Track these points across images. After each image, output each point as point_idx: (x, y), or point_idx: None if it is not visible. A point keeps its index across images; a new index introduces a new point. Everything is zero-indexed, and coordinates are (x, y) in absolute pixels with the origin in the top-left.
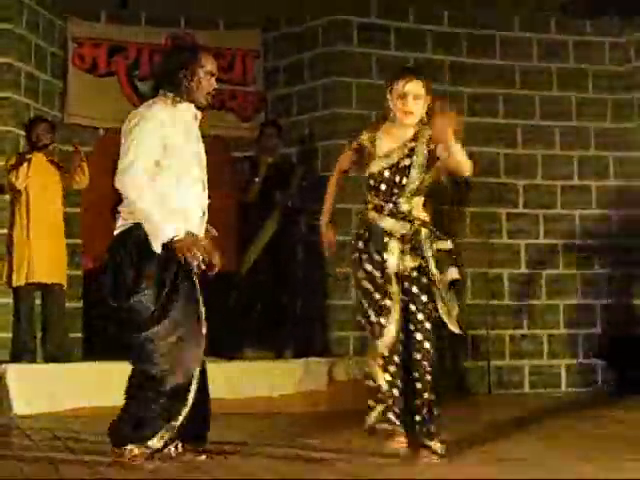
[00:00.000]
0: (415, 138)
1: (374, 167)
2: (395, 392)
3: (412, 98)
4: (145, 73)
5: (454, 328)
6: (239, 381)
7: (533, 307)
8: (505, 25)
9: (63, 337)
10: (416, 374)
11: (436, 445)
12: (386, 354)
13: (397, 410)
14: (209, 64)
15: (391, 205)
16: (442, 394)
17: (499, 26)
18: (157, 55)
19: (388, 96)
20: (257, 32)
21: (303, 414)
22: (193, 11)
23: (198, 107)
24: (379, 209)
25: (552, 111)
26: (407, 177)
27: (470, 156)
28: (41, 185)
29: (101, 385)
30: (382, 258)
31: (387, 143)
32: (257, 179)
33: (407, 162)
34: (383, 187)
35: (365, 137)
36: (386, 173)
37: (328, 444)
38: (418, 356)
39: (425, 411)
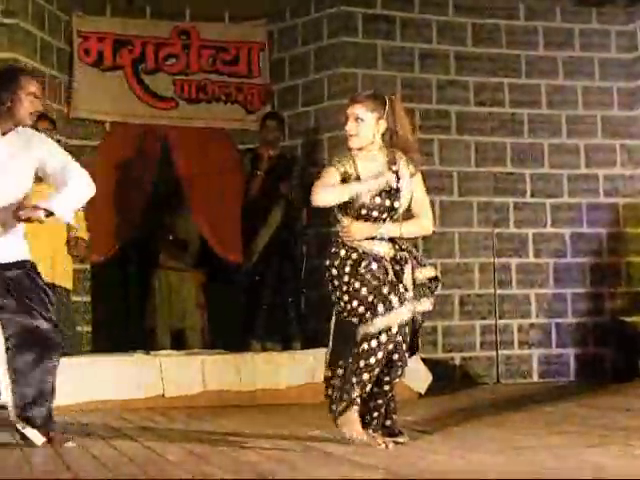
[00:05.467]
0: (394, 160)
1: (361, 200)
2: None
3: (352, 120)
4: (151, 66)
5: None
6: (250, 373)
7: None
8: (510, 13)
9: (70, 334)
10: (387, 377)
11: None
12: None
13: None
14: (31, 86)
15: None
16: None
17: (504, 15)
18: (163, 48)
19: None
20: (262, 24)
21: (314, 405)
22: (198, 4)
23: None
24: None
25: (558, 100)
26: (398, 201)
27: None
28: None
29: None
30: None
31: (367, 168)
32: (259, 172)
33: (396, 185)
34: (375, 214)
35: (345, 162)
36: (377, 199)
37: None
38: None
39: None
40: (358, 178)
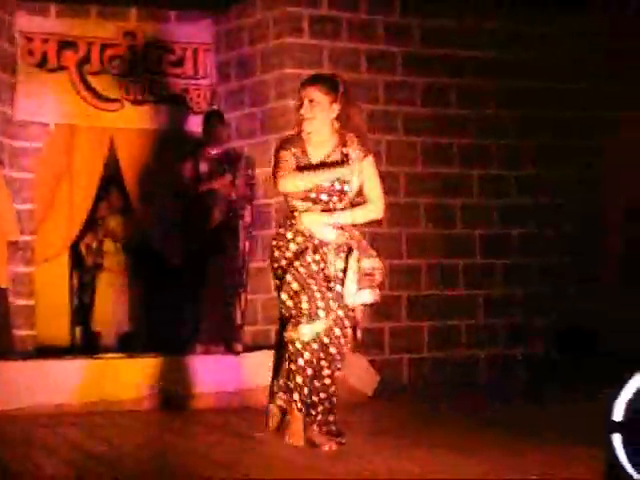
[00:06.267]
0: (343, 142)
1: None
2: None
3: (307, 102)
4: (96, 67)
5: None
6: (192, 376)
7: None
8: (457, 14)
9: (6, 336)
10: (328, 371)
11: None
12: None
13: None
14: None
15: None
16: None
17: (451, 15)
18: (108, 49)
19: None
20: (208, 25)
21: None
22: (144, 4)
23: None
24: None
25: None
26: (349, 185)
27: None
28: None
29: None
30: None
31: (318, 151)
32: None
33: (347, 170)
34: (324, 197)
35: (296, 145)
36: (326, 182)
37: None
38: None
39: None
40: (309, 163)
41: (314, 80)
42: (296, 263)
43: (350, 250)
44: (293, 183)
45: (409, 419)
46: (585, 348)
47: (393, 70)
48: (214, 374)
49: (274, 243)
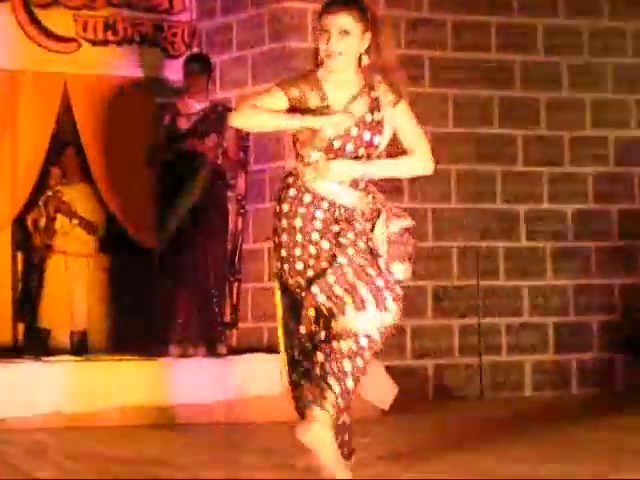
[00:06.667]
0: (370, 85)
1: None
2: None
3: (337, 34)
4: None
5: None
6: (166, 385)
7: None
8: None
9: None
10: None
11: None
12: None
13: None
14: None
15: None
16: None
17: None
18: None
19: (316, 34)
20: None
21: (248, 425)
22: None
23: None
24: None
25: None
26: (380, 135)
27: None
28: None
29: None
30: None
31: (339, 95)
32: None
33: (377, 116)
34: (350, 147)
35: (303, 86)
36: (354, 130)
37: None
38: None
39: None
40: (326, 108)
41: (345, 3)
42: (342, 240)
43: (376, 215)
44: (245, 118)
45: (434, 440)
46: None
47: (418, 5)
48: (192, 382)
49: (286, 210)
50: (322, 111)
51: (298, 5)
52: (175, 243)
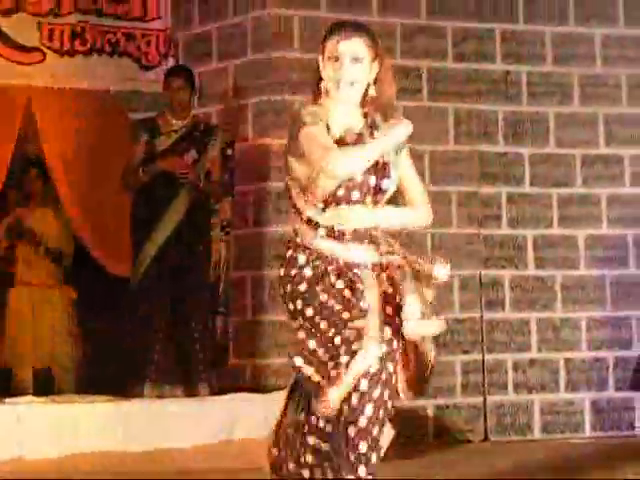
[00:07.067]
0: (374, 125)
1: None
2: None
3: (349, 61)
4: (8, 4)
5: None
6: (141, 428)
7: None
8: None
9: None
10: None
11: None
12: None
13: None
14: None
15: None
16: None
17: None
18: None
19: (320, 61)
20: None
21: (231, 472)
22: None
23: None
24: (339, 235)
25: (567, 54)
26: (388, 178)
27: None
28: None
29: None
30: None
31: (341, 128)
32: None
33: (381, 159)
34: (356, 195)
35: (319, 113)
36: (358, 176)
37: None
38: None
39: None
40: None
41: (356, 27)
42: (317, 289)
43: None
44: (352, 164)
45: None
46: None
47: (415, 11)
48: (169, 424)
49: (282, 274)
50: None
51: (283, 12)
52: (151, 273)
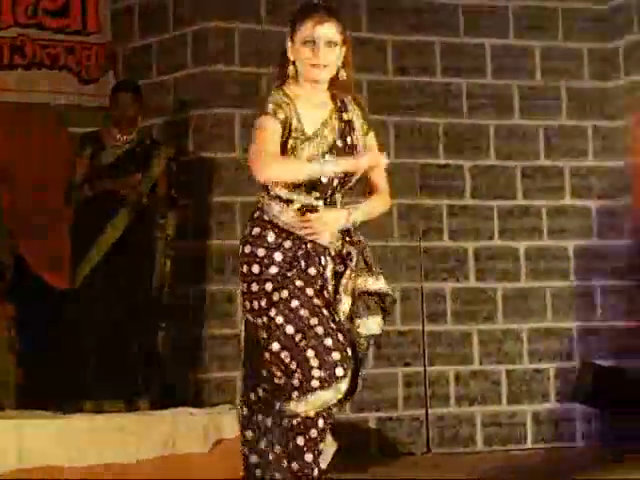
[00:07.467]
0: (343, 107)
1: (307, 150)
2: None
3: (324, 45)
4: None
5: None
6: (77, 444)
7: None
8: None
9: None
10: None
11: None
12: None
13: None
14: None
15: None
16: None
17: None
18: None
19: (289, 44)
20: None
21: None
22: None
23: None
24: (310, 211)
25: (507, 66)
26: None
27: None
28: None
29: None
30: (319, 272)
31: (310, 113)
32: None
33: (349, 140)
34: (324, 180)
35: (284, 105)
36: (326, 159)
37: None
38: None
39: None
40: (303, 134)
41: (329, 11)
42: (291, 275)
43: (349, 259)
44: (277, 172)
45: None
46: None
47: (356, 25)
48: (108, 440)
49: (247, 251)
50: (299, 137)
51: (223, 25)
52: (91, 288)
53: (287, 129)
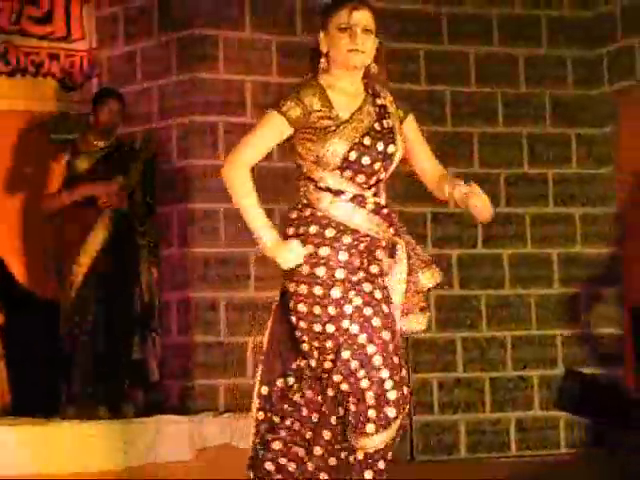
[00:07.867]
0: (375, 93)
1: (344, 134)
2: None
3: (361, 31)
4: None
5: None
6: (61, 450)
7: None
8: None
9: None
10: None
11: None
12: None
13: None
14: None
15: (372, 198)
16: None
17: None
18: None
19: (321, 36)
20: None
21: None
22: None
23: None
24: (360, 201)
25: (491, 74)
26: (394, 145)
27: None
28: None
29: None
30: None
31: (344, 100)
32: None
33: (385, 124)
34: (366, 161)
35: (309, 93)
36: (366, 139)
37: None
38: None
39: None
40: (339, 122)
41: (363, 1)
42: (357, 279)
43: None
44: (229, 177)
45: None
46: None
47: None
48: (92, 446)
49: (310, 252)
50: (332, 125)
51: (208, 32)
52: (77, 296)
53: (309, 123)
